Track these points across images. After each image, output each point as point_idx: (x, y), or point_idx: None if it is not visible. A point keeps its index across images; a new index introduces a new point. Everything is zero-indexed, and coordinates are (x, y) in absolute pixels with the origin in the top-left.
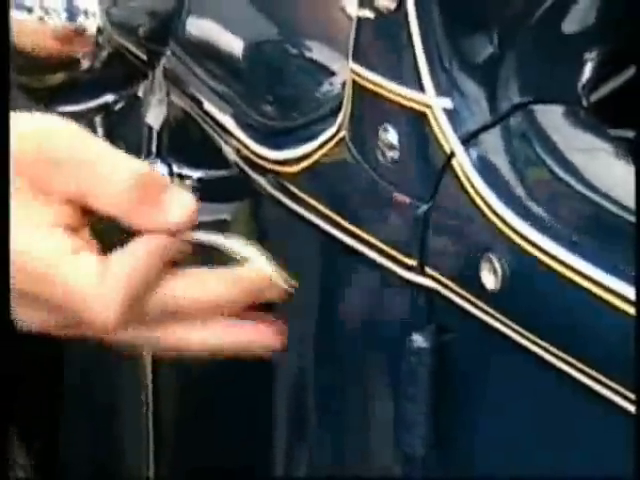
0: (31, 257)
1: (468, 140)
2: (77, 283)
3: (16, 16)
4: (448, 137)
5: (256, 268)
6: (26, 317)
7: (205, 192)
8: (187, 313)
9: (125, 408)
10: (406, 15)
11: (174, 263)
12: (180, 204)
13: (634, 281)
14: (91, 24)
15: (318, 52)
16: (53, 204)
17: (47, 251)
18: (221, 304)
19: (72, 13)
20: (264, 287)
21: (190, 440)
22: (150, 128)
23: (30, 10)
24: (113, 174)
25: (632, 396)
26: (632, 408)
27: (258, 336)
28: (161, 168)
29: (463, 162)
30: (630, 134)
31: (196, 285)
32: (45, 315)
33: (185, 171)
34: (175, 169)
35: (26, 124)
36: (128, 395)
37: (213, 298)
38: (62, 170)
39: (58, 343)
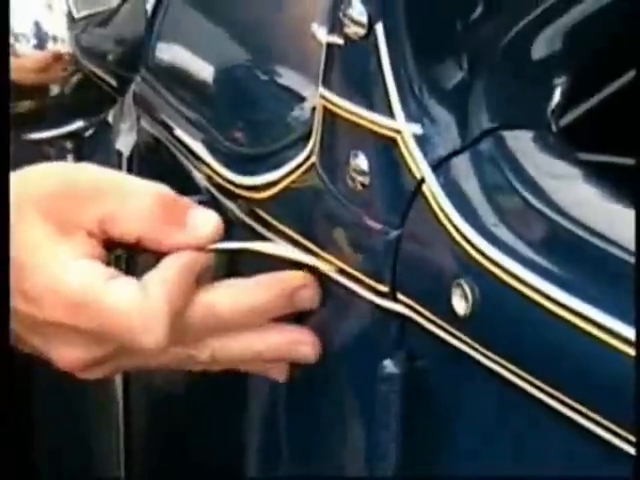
0: (69, 290)
1: (438, 166)
2: (120, 306)
3: None
4: (418, 163)
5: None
6: (63, 353)
7: None
8: (227, 324)
9: (96, 421)
10: (376, 41)
11: (204, 277)
12: (205, 220)
13: (603, 305)
14: (60, 50)
15: (288, 78)
16: (79, 237)
17: (84, 281)
18: (259, 311)
19: (41, 39)
20: (299, 286)
21: (161, 452)
22: (120, 154)
23: None
24: (134, 196)
25: (602, 420)
26: (603, 432)
27: (295, 344)
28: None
29: (433, 188)
30: (599, 158)
31: (233, 295)
32: (87, 348)
33: None
34: None
35: (38, 169)
36: (99, 408)
37: (251, 305)
38: (85, 201)
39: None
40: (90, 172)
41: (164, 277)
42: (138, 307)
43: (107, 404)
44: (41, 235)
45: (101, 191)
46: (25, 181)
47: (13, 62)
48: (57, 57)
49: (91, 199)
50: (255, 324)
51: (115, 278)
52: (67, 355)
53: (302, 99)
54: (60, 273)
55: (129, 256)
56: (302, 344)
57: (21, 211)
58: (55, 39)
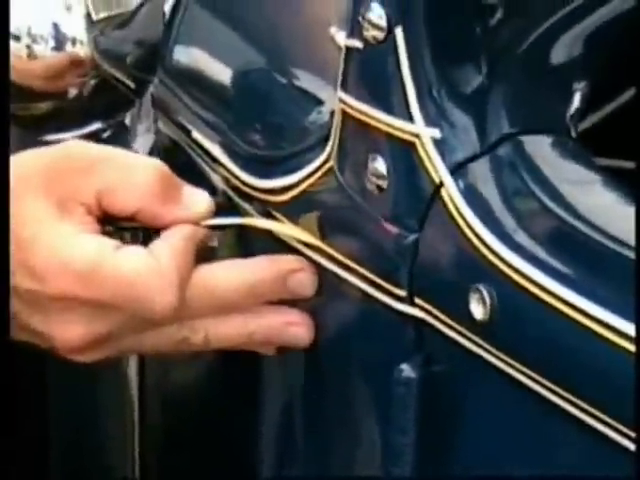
0: (78, 261)
1: (457, 170)
2: (132, 271)
3: None
4: (437, 167)
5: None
6: (65, 331)
7: None
8: (224, 303)
9: (111, 421)
10: (395, 45)
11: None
12: (199, 198)
13: (623, 311)
14: (79, 52)
15: (306, 81)
16: (78, 216)
17: (93, 252)
18: (254, 292)
19: (60, 41)
20: (294, 270)
21: (176, 450)
22: None
23: (17, 38)
24: (134, 169)
25: (623, 428)
26: (622, 439)
27: (289, 325)
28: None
29: (452, 192)
30: (618, 163)
31: (231, 274)
32: (90, 325)
33: None
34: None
35: (35, 152)
36: (114, 408)
37: (247, 285)
38: (83, 175)
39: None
40: (86, 147)
41: (171, 245)
42: (150, 271)
43: (121, 404)
44: (42, 213)
45: (99, 165)
46: (23, 163)
47: (28, 66)
48: (74, 62)
49: (89, 173)
50: (250, 305)
51: (121, 248)
52: (68, 333)
53: (320, 102)
54: (66, 247)
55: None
56: (296, 325)
57: (22, 192)
58: (74, 41)
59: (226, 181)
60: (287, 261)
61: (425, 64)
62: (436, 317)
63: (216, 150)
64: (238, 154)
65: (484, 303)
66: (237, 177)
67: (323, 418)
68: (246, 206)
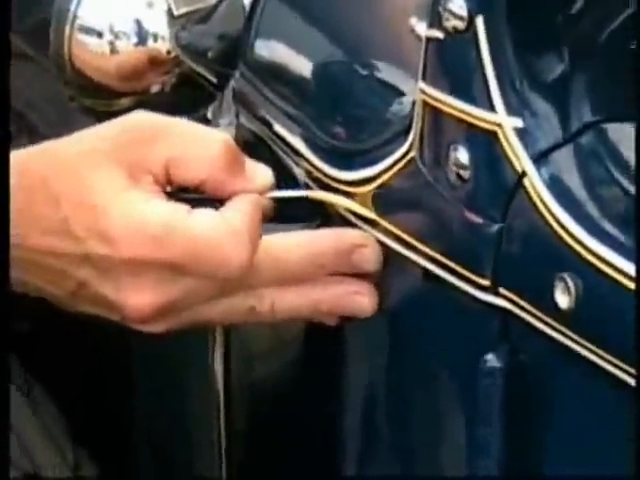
0: (152, 223)
1: (539, 159)
2: (205, 232)
3: (85, 40)
4: (519, 156)
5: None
6: (134, 297)
7: (274, 213)
8: (290, 272)
9: (195, 411)
10: (476, 35)
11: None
12: (262, 171)
13: None
14: (160, 47)
15: (387, 72)
16: (146, 184)
17: (166, 214)
18: (319, 262)
19: (142, 37)
20: (358, 245)
21: (262, 447)
22: None
23: (100, 35)
24: (204, 140)
25: None
26: None
27: (353, 294)
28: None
29: (535, 181)
30: None
31: (297, 244)
32: (160, 290)
33: None
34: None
35: (108, 123)
36: (198, 400)
37: (312, 255)
38: (152, 144)
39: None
40: (154, 117)
41: (240, 210)
42: (223, 230)
43: (208, 401)
44: (114, 181)
45: (168, 135)
46: (93, 134)
47: (107, 65)
48: (154, 61)
49: (158, 142)
50: (314, 276)
51: (192, 211)
52: (139, 299)
53: (401, 94)
54: (139, 211)
55: None
56: (360, 294)
57: (93, 162)
58: (155, 37)
59: (308, 174)
60: (352, 235)
61: (506, 53)
62: (521, 307)
63: (298, 143)
64: (319, 146)
65: (569, 292)
66: (319, 169)
67: (407, 412)
68: None
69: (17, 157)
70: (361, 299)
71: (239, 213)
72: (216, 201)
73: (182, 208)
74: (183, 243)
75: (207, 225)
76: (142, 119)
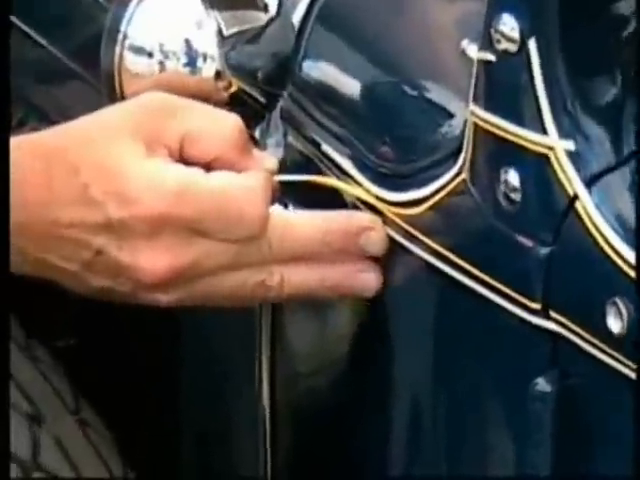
0: (171, 182)
1: (592, 182)
2: (223, 188)
3: (135, 60)
4: (571, 179)
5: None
6: (151, 260)
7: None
8: (300, 247)
9: (241, 426)
10: (528, 57)
11: None
12: (267, 156)
13: None
14: (209, 68)
15: (437, 94)
16: (161, 157)
17: (184, 175)
18: (327, 241)
19: (191, 57)
20: (366, 227)
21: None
22: None
23: (150, 55)
24: (217, 119)
25: None
26: None
27: (359, 272)
28: (277, 208)
29: (587, 205)
30: None
31: (308, 222)
32: (177, 252)
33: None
34: (291, 209)
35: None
36: (244, 415)
37: (322, 233)
38: (168, 118)
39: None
40: (169, 96)
41: (254, 174)
42: (240, 186)
43: (253, 405)
44: (133, 151)
45: (184, 111)
46: (111, 112)
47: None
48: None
49: (175, 117)
50: (323, 254)
51: (208, 173)
52: (155, 262)
53: (450, 115)
54: (158, 171)
55: None
56: (366, 272)
57: (111, 135)
58: (205, 57)
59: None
60: (361, 218)
61: (559, 76)
62: (572, 330)
63: (346, 163)
64: (368, 167)
65: (621, 316)
66: (367, 190)
67: (457, 434)
68: None
69: (28, 138)
70: (367, 277)
71: (253, 176)
72: None
73: (198, 170)
74: (200, 199)
75: (223, 182)
76: (160, 97)
